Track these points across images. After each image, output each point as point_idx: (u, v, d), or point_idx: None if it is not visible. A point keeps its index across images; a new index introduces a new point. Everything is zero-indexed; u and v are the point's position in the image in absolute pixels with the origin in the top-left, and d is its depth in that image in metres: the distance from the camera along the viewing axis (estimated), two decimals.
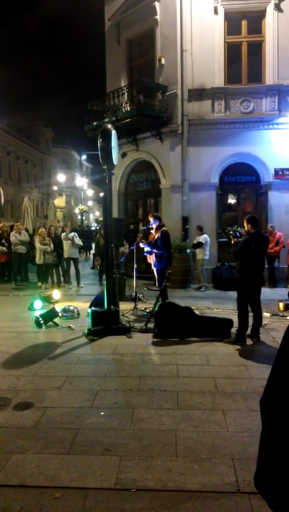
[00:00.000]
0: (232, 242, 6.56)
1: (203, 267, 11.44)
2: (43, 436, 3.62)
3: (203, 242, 11.33)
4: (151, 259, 8.21)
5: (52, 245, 11.45)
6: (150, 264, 8.44)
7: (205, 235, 11.42)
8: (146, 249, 8.21)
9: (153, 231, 8.36)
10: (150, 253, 8.17)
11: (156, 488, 2.91)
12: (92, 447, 3.44)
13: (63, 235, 11.74)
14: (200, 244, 11.30)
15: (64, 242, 11.60)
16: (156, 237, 8.11)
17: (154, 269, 8.21)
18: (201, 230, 11.48)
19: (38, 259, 11.40)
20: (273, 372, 1.77)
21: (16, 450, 3.41)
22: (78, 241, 11.78)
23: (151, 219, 8.42)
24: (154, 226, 8.30)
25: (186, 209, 12.32)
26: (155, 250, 8.00)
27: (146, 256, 8.44)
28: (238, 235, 6.47)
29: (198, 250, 11.41)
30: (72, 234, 11.65)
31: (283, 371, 1.71)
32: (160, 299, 7.58)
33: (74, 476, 3.06)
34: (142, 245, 8.30)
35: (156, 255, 8.04)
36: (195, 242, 11.48)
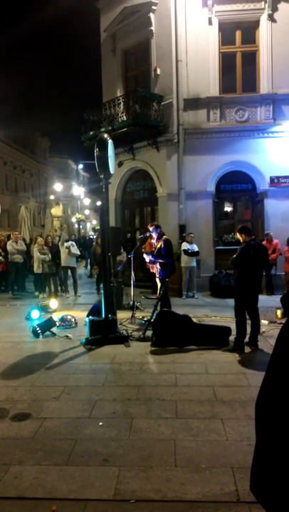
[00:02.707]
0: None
1: (194, 274, 11.43)
2: (41, 447, 3.59)
3: (198, 250, 11.31)
4: (155, 269, 8.12)
5: (50, 255, 11.44)
6: (148, 272, 8.40)
7: (194, 244, 11.39)
8: (150, 259, 8.12)
9: (154, 240, 8.29)
10: (154, 263, 8.09)
11: (155, 498, 2.89)
12: (91, 458, 3.41)
13: (61, 241, 11.73)
14: (197, 253, 11.30)
15: (61, 250, 11.58)
16: (158, 246, 8.03)
17: (158, 278, 8.10)
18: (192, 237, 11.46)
19: (37, 268, 11.38)
20: (267, 375, 1.78)
21: (14, 461, 3.38)
22: (75, 250, 11.78)
23: (151, 228, 8.32)
24: (155, 235, 8.22)
25: (182, 217, 12.35)
26: (160, 260, 7.92)
27: (150, 266, 8.35)
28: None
29: (188, 258, 11.27)
30: (70, 243, 11.65)
31: (277, 373, 1.72)
32: (161, 308, 7.60)
33: (72, 487, 3.03)
34: (145, 256, 8.25)
35: (160, 264, 7.95)
36: (188, 248, 11.27)
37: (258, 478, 1.80)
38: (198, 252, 11.30)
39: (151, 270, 8.40)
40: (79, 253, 12.98)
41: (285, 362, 1.73)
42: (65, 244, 11.50)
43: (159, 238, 8.12)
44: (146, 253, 8.31)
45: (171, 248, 8.19)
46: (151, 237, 11.41)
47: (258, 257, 6.26)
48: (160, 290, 7.95)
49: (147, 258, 8.21)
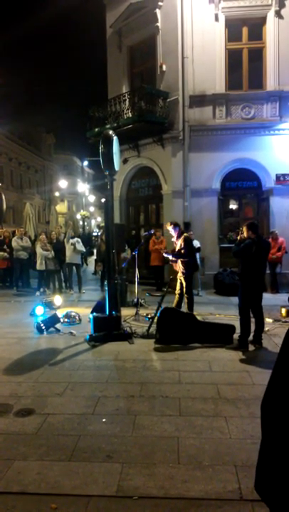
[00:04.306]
0: (238, 238, 6.56)
1: (199, 272, 11.39)
2: (45, 442, 3.60)
3: (200, 246, 11.23)
4: (178, 267, 8.02)
5: (53, 251, 11.45)
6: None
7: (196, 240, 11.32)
8: (171, 258, 8.04)
9: (174, 239, 8.15)
10: (175, 261, 7.99)
11: (158, 495, 2.89)
12: (94, 454, 3.41)
13: (66, 238, 11.71)
14: (198, 249, 11.23)
15: (66, 247, 11.59)
16: (179, 244, 7.91)
17: (182, 277, 7.98)
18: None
19: (39, 265, 11.41)
20: (274, 375, 1.78)
21: (18, 457, 3.39)
22: (81, 247, 11.78)
23: (170, 227, 8.11)
24: (175, 234, 8.04)
25: (187, 214, 12.32)
26: (181, 258, 7.83)
27: (173, 264, 8.24)
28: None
29: None
30: (75, 240, 11.66)
31: (284, 373, 1.71)
32: (189, 306, 7.69)
33: (75, 483, 3.04)
34: (165, 255, 8.15)
35: (182, 262, 7.86)
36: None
37: (263, 477, 1.80)
38: (199, 248, 11.21)
39: (175, 268, 8.28)
40: (84, 250, 12.99)
41: None
42: (71, 240, 11.51)
43: (179, 236, 7.98)
44: (167, 252, 8.20)
45: (192, 245, 8.11)
46: (155, 234, 11.43)
47: (260, 255, 6.25)
48: (186, 288, 7.88)
49: (169, 257, 8.11)
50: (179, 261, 7.80)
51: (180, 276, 7.95)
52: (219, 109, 12.23)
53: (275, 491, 1.73)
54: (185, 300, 7.96)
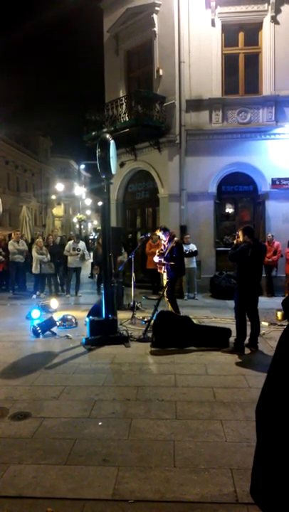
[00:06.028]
0: (234, 242, 6.60)
1: (195, 275, 11.42)
2: (41, 446, 3.60)
3: (196, 249, 11.25)
4: (164, 270, 8.03)
5: (48, 255, 11.46)
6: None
7: (192, 244, 11.35)
8: (158, 260, 8.06)
9: (165, 242, 8.21)
10: (164, 264, 8.01)
11: (154, 499, 2.89)
12: (90, 458, 3.41)
13: (68, 245, 11.75)
14: (196, 253, 11.25)
15: (72, 253, 11.64)
16: (170, 248, 7.94)
17: (168, 280, 8.00)
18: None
19: (34, 268, 11.43)
20: (269, 379, 1.79)
21: (13, 461, 3.38)
22: (87, 254, 11.95)
23: (160, 233, 8.24)
24: (166, 238, 8.13)
25: (184, 218, 12.35)
26: (171, 262, 7.86)
27: (159, 266, 8.26)
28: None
29: (187, 259, 11.11)
30: (83, 246, 11.75)
31: (278, 377, 1.73)
32: (174, 309, 7.70)
33: (71, 486, 3.04)
34: (157, 259, 8.17)
35: (171, 266, 7.89)
36: (185, 250, 11.15)
37: (259, 482, 1.81)
38: (196, 252, 11.23)
39: (159, 270, 8.32)
40: (89, 256, 13.09)
41: (286, 366, 1.74)
42: (78, 245, 11.59)
43: (170, 240, 8.04)
44: (159, 256, 8.22)
45: (182, 250, 8.16)
46: (152, 238, 11.44)
47: (256, 258, 6.28)
48: (166, 291, 7.91)
49: (157, 259, 8.15)
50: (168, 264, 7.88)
51: (166, 279, 8.02)
52: (215, 114, 12.29)
53: (271, 497, 1.73)
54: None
